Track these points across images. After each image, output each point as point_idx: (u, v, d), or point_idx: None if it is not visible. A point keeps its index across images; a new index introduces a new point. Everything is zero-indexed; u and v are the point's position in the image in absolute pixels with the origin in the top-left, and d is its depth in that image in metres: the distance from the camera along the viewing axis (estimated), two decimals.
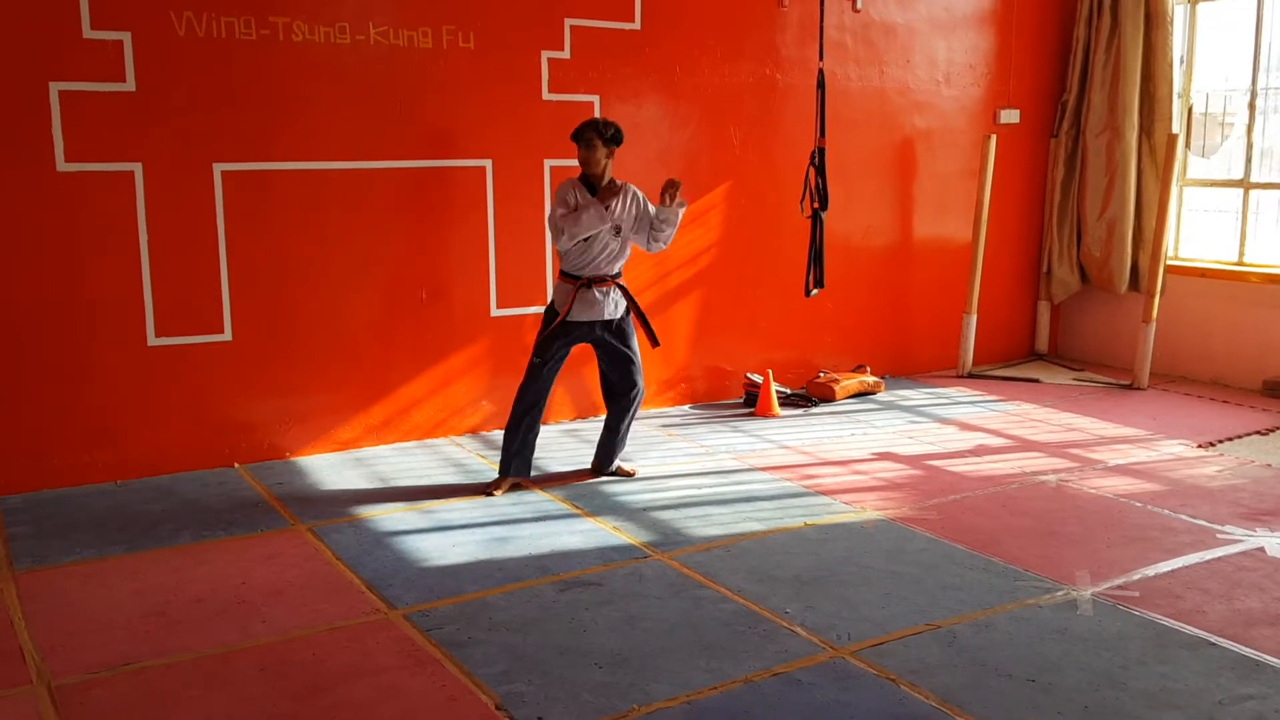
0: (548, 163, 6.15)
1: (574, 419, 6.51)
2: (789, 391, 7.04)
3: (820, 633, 3.72)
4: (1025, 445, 6.04)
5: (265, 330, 5.56)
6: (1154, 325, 7.42)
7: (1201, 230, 7.91)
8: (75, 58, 4.98)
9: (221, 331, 5.45)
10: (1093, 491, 5.23)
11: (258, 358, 5.55)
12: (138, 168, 5.17)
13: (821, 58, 6.27)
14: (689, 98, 6.60)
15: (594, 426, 6.34)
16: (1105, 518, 4.86)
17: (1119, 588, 4.10)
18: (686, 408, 6.87)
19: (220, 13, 5.23)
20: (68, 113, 4.99)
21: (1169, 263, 7.66)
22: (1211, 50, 7.72)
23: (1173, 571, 4.26)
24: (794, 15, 6.85)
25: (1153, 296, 7.41)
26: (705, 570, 4.25)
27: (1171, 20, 7.47)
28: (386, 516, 4.86)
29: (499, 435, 6.11)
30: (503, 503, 5.05)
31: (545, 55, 6.09)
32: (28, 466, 5.13)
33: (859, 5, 7.07)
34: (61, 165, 5.01)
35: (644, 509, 4.96)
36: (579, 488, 5.22)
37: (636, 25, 6.34)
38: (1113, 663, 3.51)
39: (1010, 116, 7.87)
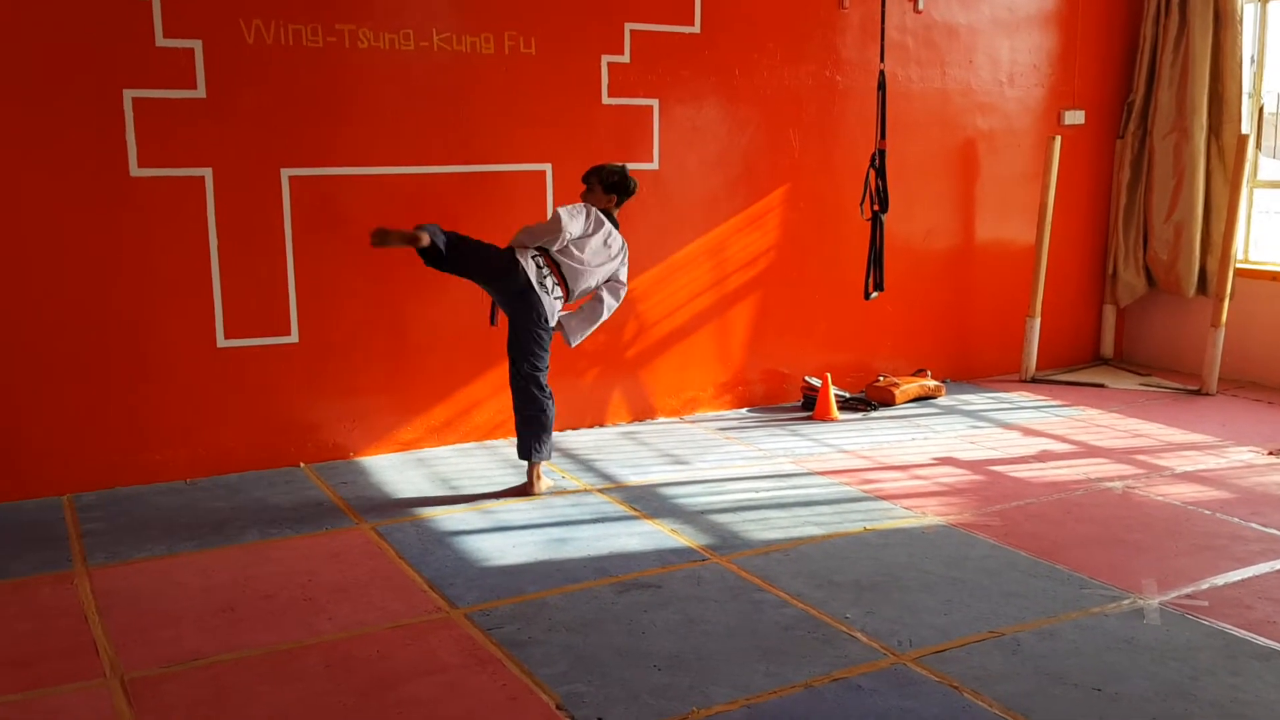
0: None
1: (630, 421, 6.53)
2: (848, 395, 7.00)
3: (881, 638, 3.70)
4: (1090, 451, 5.95)
5: (330, 332, 5.65)
6: (1223, 329, 7.26)
7: (1272, 232, 7.72)
8: (148, 66, 5.10)
9: (288, 333, 5.55)
10: (1160, 499, 5.14)
11: (323, 359, 5.65)
12: (208, 173, 5.29)
13: (882, 59, 6.23)
14: (748, 100, 6.59)
15: (651, 429, 6.37)
16: (1173, 525, 4.78)
17: (1187, 597, 4.03)
18: (744, 411, 6.86)
19: (288, 20, 5.32)
20: (140, 120, 5.12)
21: (1238, 266, 7.50)
22: None
23: (1243, 580, 4.18)
24: (854, 17, 6.82)
25: (1222, 300, 7.26)
26: (764, 574, 4.25)
27: (1240, 19, 7.31)
28: (447, 516, 4.92)
29: (557, 437, 6.14)
30: (561, 504, 5.08)
31: (605, 59, 6.12)
32: (101, 465, 5.26)
33: (920, 6, 7.01)
34: (135, 171, 5.14)
35: (702, 512, 4.96)
36: (637, 490, 5.24)
37: (696, 28, 6.35)
38: (1181, 673, 3.45)
39: (1075, 117, 7.76)
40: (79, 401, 5.18)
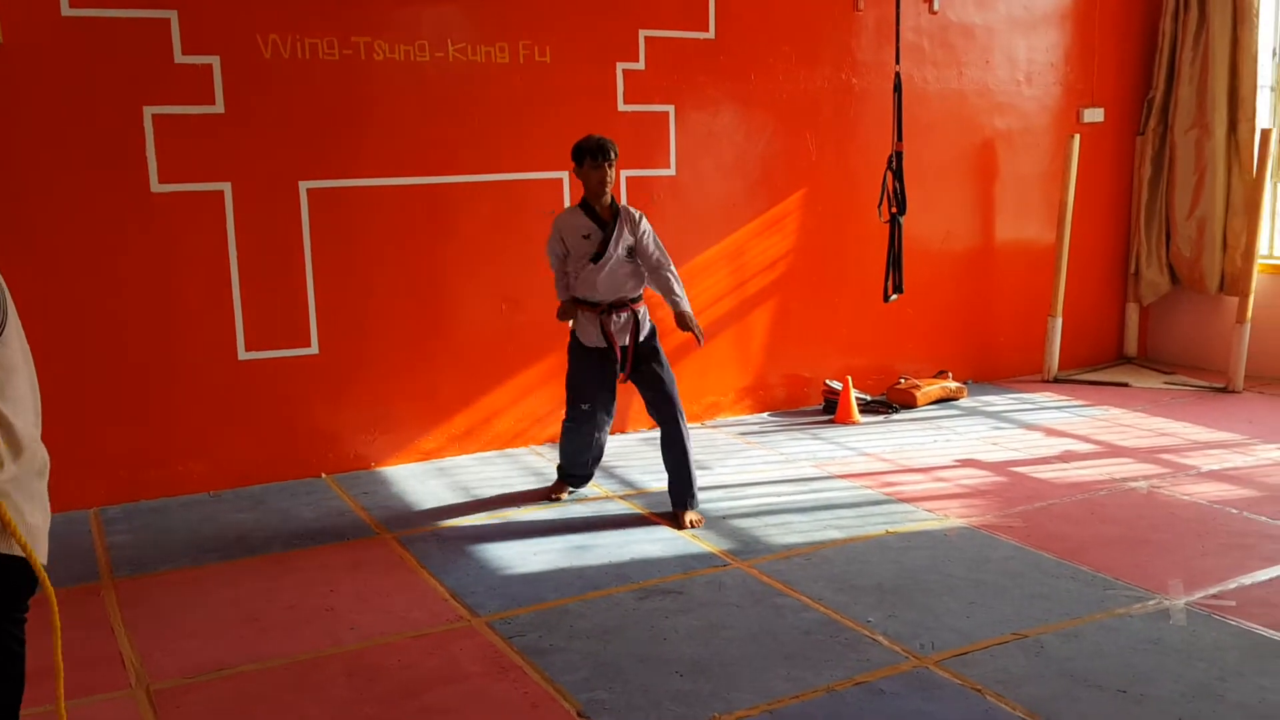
0: (624, 174, 6.19)
1: (653, 428, 6.53)
2: (869, 398, 6.98)
3: (903, 642, 3.68)
4: (1114, 451, 5.90)
5: (351, 343, 5.68)
6: (1248, 326, 7.19)
7: None
8: (167, 82, 5.16)
9: (309, 345, 5.59)
10: (1186, 498, 5.09)
11: (344, 370, 5.68)
12: (227, 187, 5.33)
13: (898, 61, 6.21)
14: (764, 104, 6.59)
15: None
16: (1199, 525, 4.73)
17: (1214, 597, 3.98)
18: (765, 415, 6.85)
19: (304, 34, 5.37)
20: (161, 135, 5.17)
21: (1263, 261, 7.42)
22: None
23: (1271, 580, 4.13)
24: (870, 19, 6.81)
25: (1246, 297, 7.19)
26: (785, 578, 4.23)
27: (1258, 14, 7.25)
28: (469, 525, 4.93)
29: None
30: (582, 511, 5.08)
31: (620, 67, 6.13)
32: (126, 478, 5.31)
33: (936, 7, 6.99)
34: (155, 186, 5.19)
35: (723, 517, 4.96)
36: (658, 496, 5.23)
37: (711, 34, 6.36)
38: (1208, 674, 3.41)
39: (1094, 115, 7.71)
40: (103, 415, 5.23)
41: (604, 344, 4.93)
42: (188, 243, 5.30)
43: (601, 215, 4.87)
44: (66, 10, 4.94)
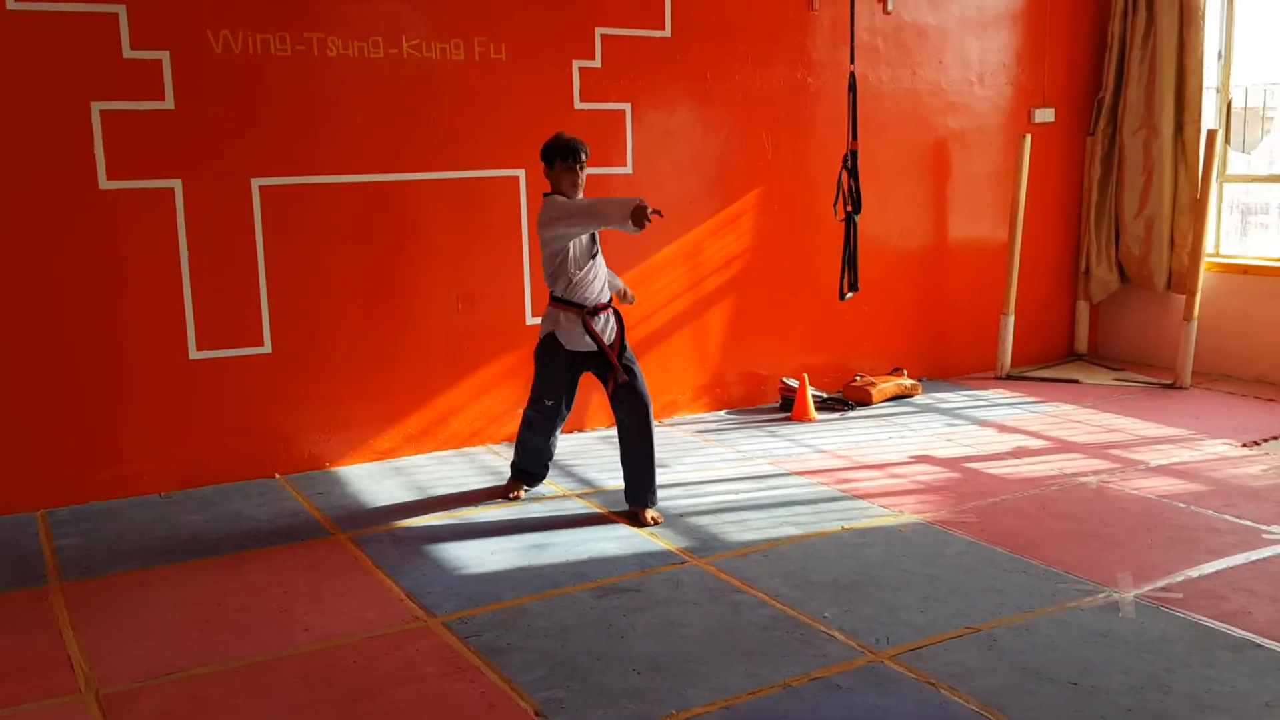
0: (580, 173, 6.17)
1: (609, 426, 6.53)
2: (825, 395, 7.03)
3: (859, 637, 3.71)
4: (1065, 447, 5.99)
5: (304, 342, 5.63)
6: (1195, 324, 7.32)
7: (1243, 227, 7.80)
8: (116, 78, 5.07)
9: (261, 344, 5.53)
10: (1135, 493, 5.17)
11: (297, 369, 5.62)
12: (178, 184, 5.26)
13: (853, 60, 6.25)
14: (720, 103, 6.61)
15: None
16: (1147, 519, 4.81)
17: (1162, 590, 4.05)
18: (722, 413, 6.87)
19: (256, 30, 5.31)
20: (109, 132, 5.09)
21: (1210, 260, 7.57)
22: (1251, 44, 7.61)
23: (1217, 573, 4.21)
24: (825, 19, 6.85)
25: (1193, 294, 7.32)
26: (743, 575, 4.25)
27: (1204, 16, 7.38)
28: (425, 525, 4.90)
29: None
30: (540, 510, 5.07)
31: (576, 65, 6.12)
32: (74, 479, 5.22)
33: (890, 7, 7.04)
34: (104, 184, 5.11)
35: (681, 515, 4.96)
36: (616, 494, 5.23)
37: (667, 33, 6.36)
38: (1156, 665, 3.47)
39: (1045, 115, 7.81)
40: (51, 416, 5.14)
41: (585, 347, 4.86)
42: (137, 240, 5.22)
43: None
44: (12, 4, 4.84)
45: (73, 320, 5.13)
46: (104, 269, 5.17)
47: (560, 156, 4.73)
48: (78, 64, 5.00)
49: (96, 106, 5.05)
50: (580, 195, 4.80)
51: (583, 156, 4.76)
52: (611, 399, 4.93)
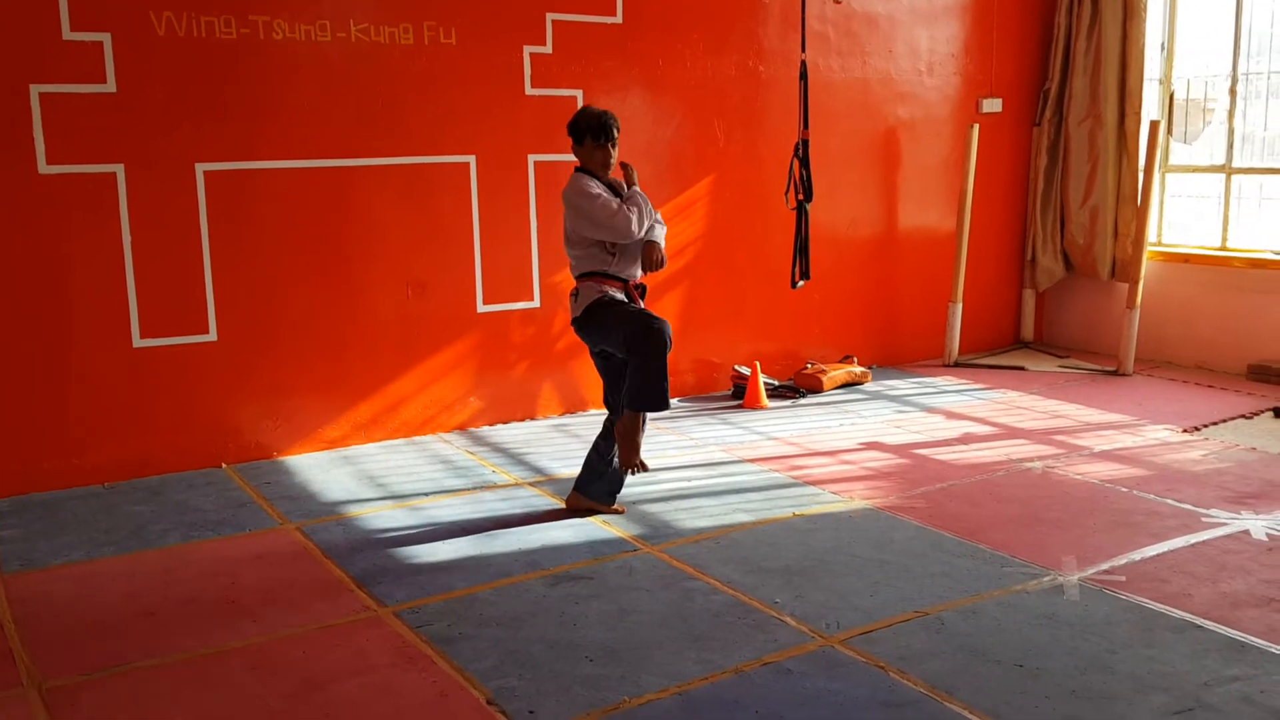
0: (531, 158, 6.16)
1: (562, 413, 6.52)
2: (777, 383, 7.06)
3: (810, 622, 3.74)
4: (1011, 433, 6.07)
5: (250, 330, 5.55)
6: (1138, 311, 7.46)
7: (1184, 216, 7.95)
8: (55, 59, 4.96)
9: (207, 332, 5.44)
10: (1078, 477, 5.26)
11: (243, 357, 5.54)
12: (120, 169, 5.15)
13: (804, 49, 6.26)
14: (672, 91, 6.60)
15: (582, 421, 6.35)
16: (1091, 503, 4.89)
17: (1105, 572, 4.13)
18: (675, 401, 6.87)
19: (200, 12, 5.21)
20: (49, 115, 4.97)
21: (1153, 249, 7.71)
22: (1193, 36, 7.75)
23: (1159, 555, 4.29)
24: (776, 7, 6.86)
25: (1136, 283, 7.45)
26: (695, 562, 4.27)
27: (1146, 9, 7.50)
28: (375, 514, 4.87)
29: (488, 431, 6.14)
30: (491, 499, 5.05)
31: (527, 50, 6.08)
32: (15, 470, 5.11)
33: None
34: (43, 168, 4.99)
35: (634, 502, 4.97)
36: (569, 483, 5.22)
37: (618, 19, 6.34)
38: (1100, 646, 3.54)
39: (993, 105, 7.90)
40: None
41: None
42: (78, 226, 5.11)
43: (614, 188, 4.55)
44: None
45: (12, 308, 5.02)
46: (44, 255, 5.06)
47: (591, 135, 4.42)
48: (16, 45, 4.87)
49: (36, 89, 4.93)
50: (609, 175, 4.52)
51: (615, 134, 4.44)
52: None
